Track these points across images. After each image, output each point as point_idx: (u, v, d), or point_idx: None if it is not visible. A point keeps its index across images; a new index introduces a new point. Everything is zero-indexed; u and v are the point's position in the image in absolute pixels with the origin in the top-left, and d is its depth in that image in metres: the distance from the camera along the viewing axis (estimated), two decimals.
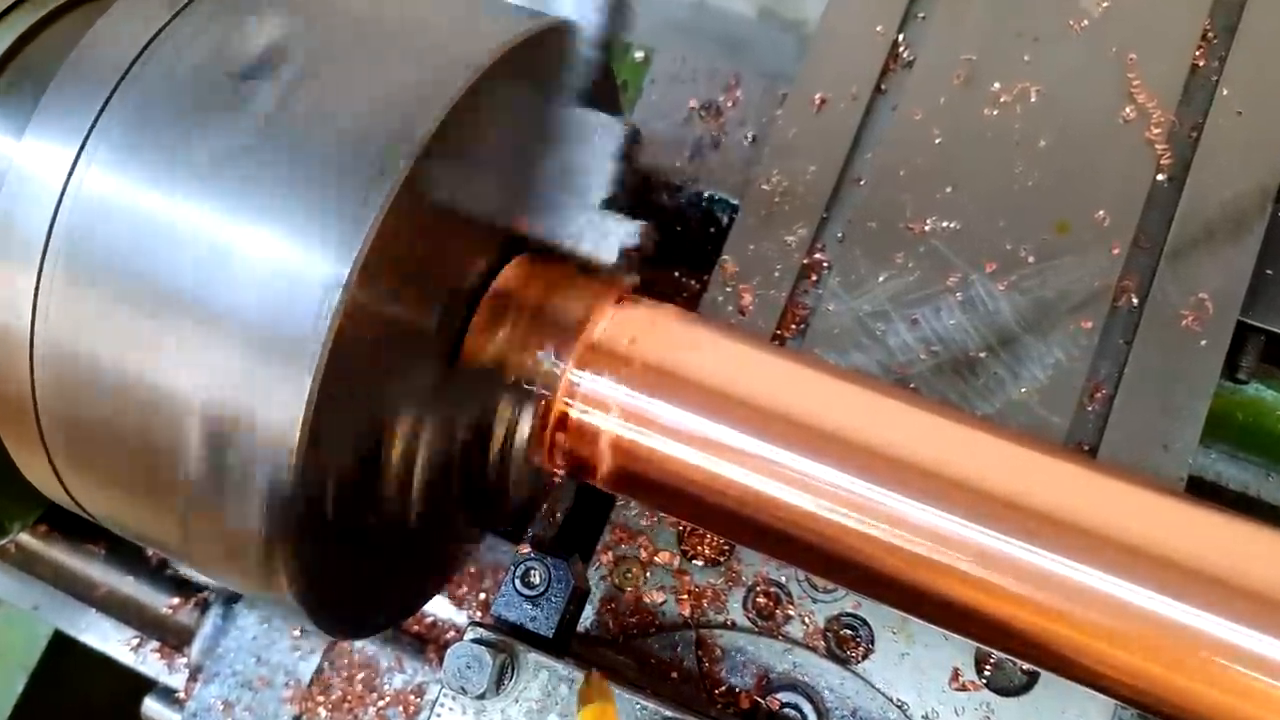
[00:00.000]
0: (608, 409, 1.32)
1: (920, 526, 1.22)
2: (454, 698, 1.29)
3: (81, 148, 1.17)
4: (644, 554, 1.53)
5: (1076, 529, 1.20)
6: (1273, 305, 1.62)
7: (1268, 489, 1.85)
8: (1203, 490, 1.84)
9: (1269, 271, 1.62)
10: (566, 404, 1.33)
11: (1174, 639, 1.17)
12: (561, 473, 1.40)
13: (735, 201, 1.92)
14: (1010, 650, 1.29)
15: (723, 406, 1.29)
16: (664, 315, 1.39)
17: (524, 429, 1.35)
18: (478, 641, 1.28)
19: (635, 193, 1.71)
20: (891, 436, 1.27)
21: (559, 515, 1.42)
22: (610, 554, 1.53)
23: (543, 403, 1.33)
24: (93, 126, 1.18)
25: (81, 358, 1.18)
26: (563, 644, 1.35)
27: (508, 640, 1.31)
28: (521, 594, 1.35)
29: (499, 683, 1.28)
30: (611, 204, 1.38)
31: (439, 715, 1.29)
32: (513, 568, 1.35)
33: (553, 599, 1.34)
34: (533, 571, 1.35)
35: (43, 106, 1.20)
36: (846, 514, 1.24)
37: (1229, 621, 1.15)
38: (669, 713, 1.28)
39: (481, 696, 1.28)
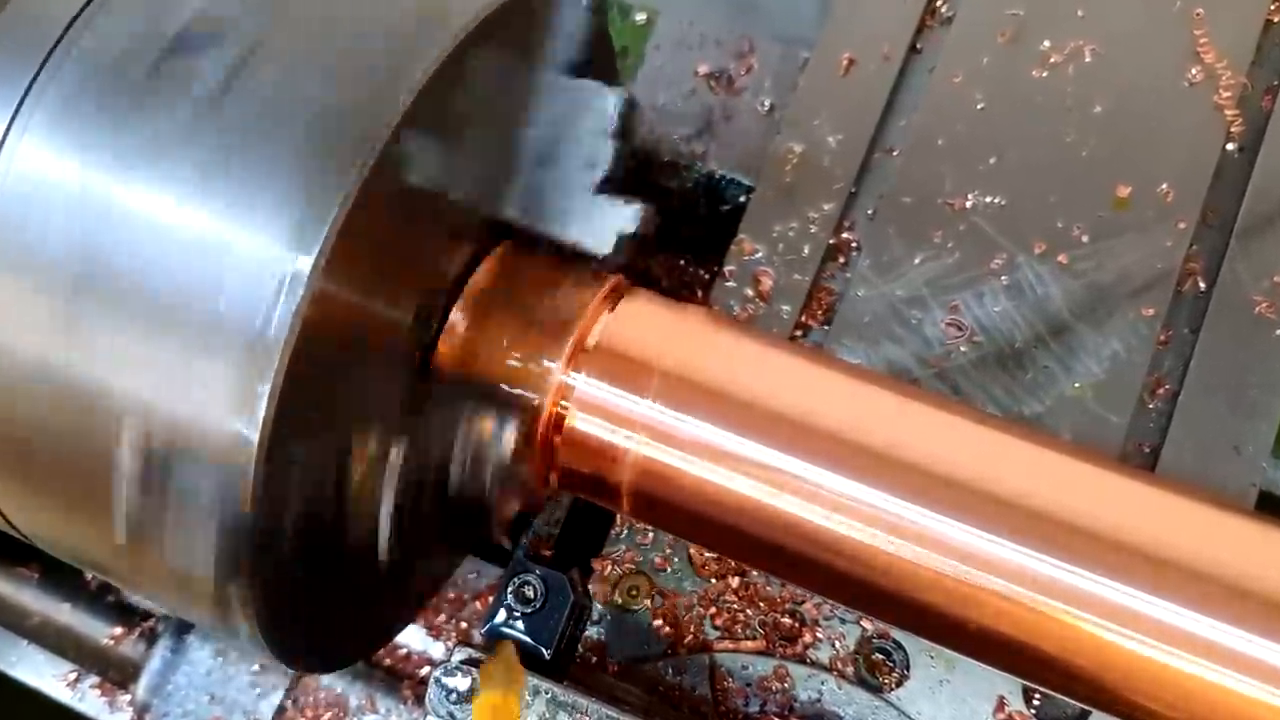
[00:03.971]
0: (612, 418, 1.31)
1: (960, 549, 1.22)
2: None
3: (11, 121, 1.16)
4: (652, 567, 1.54)
5: (1135, 552, 1.20)
6: None
7: None
8: (1276, 507, 1.84)
9: None
10: (562, 408, 1.33)
11: (1248, 677, 1.16)
12: (555, 484, 1.40)
13: (749, 182, 1.92)
14: (1059, 687, 1.29)
15: (728, 410, 1.29)
16: (666, 310, 1.39)
17: (508, 438, 1.35)
18: (467, 662, 1.29)
19: (635, 172, 1.72)
20: (929, 450, 1.27)
21: (556, 524, 1.43)
22: (614, 567, 1.54)
23: (531, 409, 1.33)
24: (23, 98, 1.17)
25: (9, 354, 1.17)
26: (562, 666, 1.36)
27: None
28: (516, 611, 1.35)
29: None
30: (607, 185, 1.38)
31: None
32: (506, 582, 1.36)
33: (550, 616, 1.35)
34: (528, 586, 1.36)
35: None
36: (875, 533, 1.24)
37: None
38: None
39: None
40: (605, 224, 1.37)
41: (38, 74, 1.18)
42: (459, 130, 1.26)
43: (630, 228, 1.37)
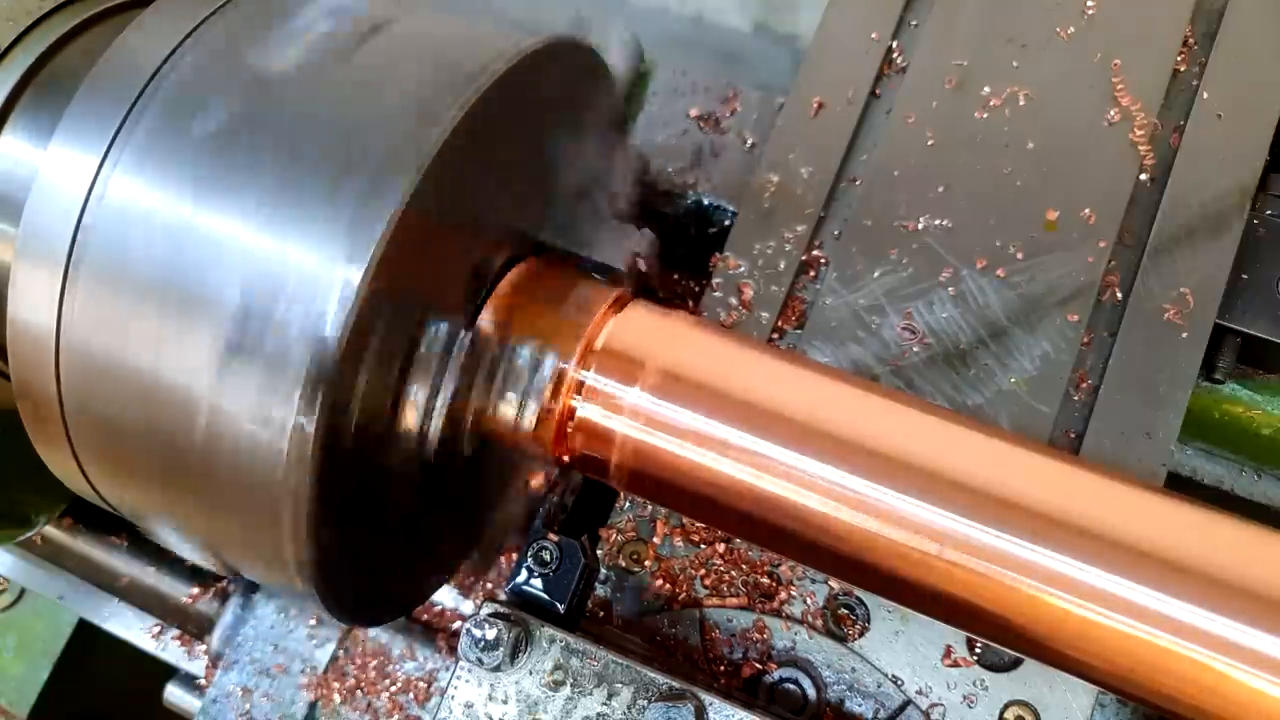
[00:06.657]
0: (612, 407, 1.32)
1: (910, 521, 1.23)
2: (470, 669, 1.30)
3: (105, 155, 1.17)
4: (650, 535, 1.54)
5: (1060, 522, 1.21)
6: (1249, 308, 1.63)
7: (1241, 484, 1.86)
8: (1180, 485, 1.85)
9: (1245, 276, 1.63)
10: (573, 401, 1.34)
11: (1147, 626, 1.18)
12: (566, 464, 1.41)
13: (733, 208, 1.92)
14: (995, 638, 1.30)
15: (706, 401, 1.30)
16: (660, 316, 1.40)
17: (528, 425, 1.35)
18: (494, 616, 1.30)
19: (639, 201, 1.73)
20: (882, 435, 1.28)
21: (569, 498, 1.44)
22: (618, 535, 1.54)
23: (547, 400, 1.34)
24: (115, 135, 1.18)
25: (103, 355, 1.18)
26: (574, 619, 1.36)
27: (522, 615, 1.32)
28: (535, 572, 1.36)
29: (514, 656, 1.30)
30: (618, 213, 1.39)
31: (456, 686, 1.30)
32: (527, 547, 1.37)
33: (564, 576, 1.36)
34: (545, 550, 1.36)
35: (68, 115, 1.20)
36: (836, 506, 1.25)
37: (1207, 612, 1.16)
38: (676, 684, 1.29)
39: (497, 668, 1.29)
40: (620, 245, 1.37)
41: (128, 114, 1.19)
42: (488, 164, 1.26)
43: (639, 248, 1.38)
